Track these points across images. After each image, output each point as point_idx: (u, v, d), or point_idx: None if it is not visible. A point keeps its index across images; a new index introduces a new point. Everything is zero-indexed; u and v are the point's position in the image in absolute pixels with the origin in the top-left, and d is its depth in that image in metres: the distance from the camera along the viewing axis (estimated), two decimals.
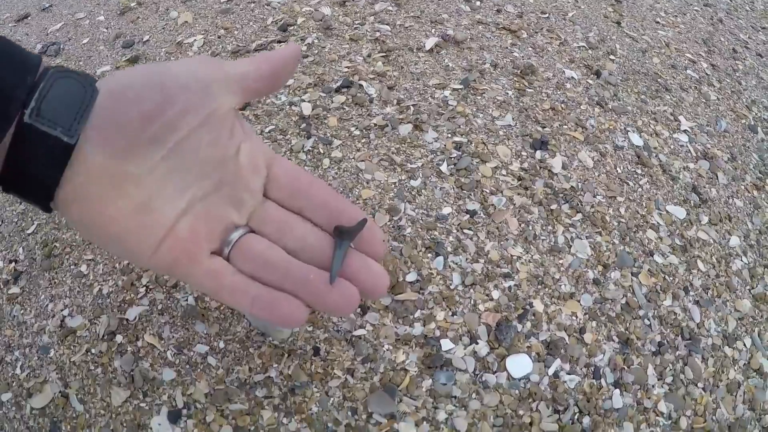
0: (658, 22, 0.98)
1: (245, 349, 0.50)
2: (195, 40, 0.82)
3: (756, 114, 0.85)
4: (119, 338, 0.52)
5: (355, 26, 0.82)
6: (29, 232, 0.62)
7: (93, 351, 0.52)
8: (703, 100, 0.83)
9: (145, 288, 0.55)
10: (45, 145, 0.31)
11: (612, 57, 0.84)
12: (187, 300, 0.53)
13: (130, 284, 0.55)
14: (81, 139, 0.32)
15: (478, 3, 0.90)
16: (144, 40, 0.85)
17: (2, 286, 0.58)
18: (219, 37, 0.82)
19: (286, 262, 0.38)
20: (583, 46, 0.84)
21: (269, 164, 0.40)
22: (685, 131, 0.76)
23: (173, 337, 0.52)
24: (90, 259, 0.58)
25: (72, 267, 0.58)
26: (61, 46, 0.87)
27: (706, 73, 0.89)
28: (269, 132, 0.66)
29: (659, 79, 0.83)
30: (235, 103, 0.37)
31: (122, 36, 0.86)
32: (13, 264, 0.60)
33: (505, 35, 0.83)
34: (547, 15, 0.90)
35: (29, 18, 0.96)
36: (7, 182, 0.33)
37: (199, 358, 0.50)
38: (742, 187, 0.73)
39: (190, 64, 0.36)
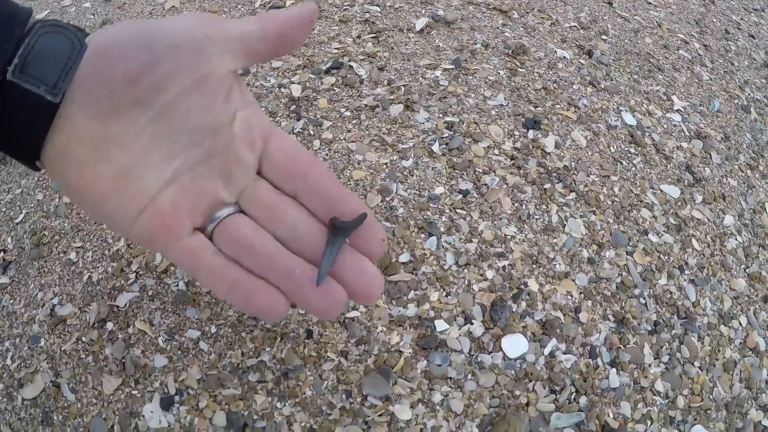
0: (650, 3, 0.98)
1: (237, 333, 0.50)
2: None
3: (749, 94, 0.85)
4: (110, 325, 0.51)
5: (344, 7, 0.81)
6: (18, 221, 0.61)
7: (84, 339, 0.51)
8: (696, 80, 0.83)
9: (135, 274, 0.54)
10: (28, 103, 0.30)
11: (604, 37, 0.84)
12: (177, 285, 0.53)
13: (119, 270, 0.54)
14: (66, 97, 0.30)
15: None
16: None
17: None
18: None
19: (271, 250, 0.35)
20: (575, 26, 0.84)
21: (266, 138, 0.37)
22: (678, 111, 0.76)
23: (164, 323, 0.51)
24: (79, 247, 0.57)
25: (61, 255, 0.57)
26: None
27: (699, 54, 0.89)
28: None
29: (651, 59, 0.83)
30: (235, 66, 0.35)
31: (109, 22, 0.85)
32: (2, 254, 0.59)
33: (496, 15, 0.82)
34: None
35: None
36: None
37: (190, 343, 0.50)
38: (736, 166, 0.72)
39: (185, 20, 0.33)
